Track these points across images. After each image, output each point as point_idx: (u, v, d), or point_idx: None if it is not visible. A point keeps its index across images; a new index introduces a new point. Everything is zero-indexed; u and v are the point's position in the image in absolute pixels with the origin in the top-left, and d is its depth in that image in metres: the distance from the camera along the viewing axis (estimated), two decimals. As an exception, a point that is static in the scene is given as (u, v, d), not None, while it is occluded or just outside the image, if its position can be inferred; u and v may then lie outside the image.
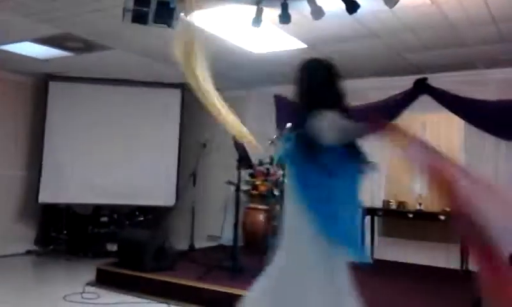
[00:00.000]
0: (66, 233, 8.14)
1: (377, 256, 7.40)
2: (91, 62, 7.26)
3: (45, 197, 8.05)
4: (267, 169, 7.96)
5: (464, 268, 6.59)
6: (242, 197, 7.34)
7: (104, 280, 5.96)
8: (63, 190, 8.04)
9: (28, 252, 8.08)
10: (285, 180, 7.91)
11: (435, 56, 6.31)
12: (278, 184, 7.44)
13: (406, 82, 7.22)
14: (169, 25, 4.77)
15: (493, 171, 6.77)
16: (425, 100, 7.15)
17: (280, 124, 7.51)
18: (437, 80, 7.05)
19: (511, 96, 6.58)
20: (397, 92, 7.31)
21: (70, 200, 8.12)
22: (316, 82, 2.60)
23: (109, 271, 6.04)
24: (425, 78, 7.10)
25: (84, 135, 8.14)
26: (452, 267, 6.85)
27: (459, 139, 7.12)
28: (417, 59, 6.54)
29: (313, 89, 2.58)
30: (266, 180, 7.88)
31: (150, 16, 4.30)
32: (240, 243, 6.85)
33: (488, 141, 6.80)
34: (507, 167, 6.70)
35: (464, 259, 6.61)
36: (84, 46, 6.44)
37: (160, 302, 5.28)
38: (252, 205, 7.99)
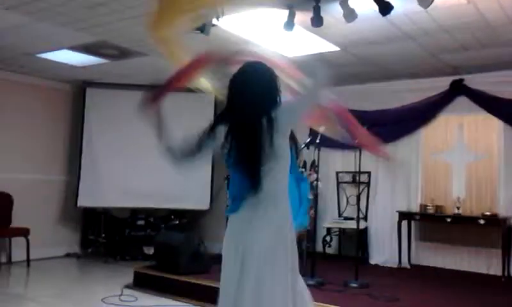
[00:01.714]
0: (104, 236, 8.32)
1: (414, 261, 7.28)
2: (126, 69, 7.39)
3: (83, 201, 8.24)
4: (301, 172, 7.90)
5: (506, 274, 6.40)
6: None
7: (142, 283, 6.07)
8: (101, 194, 8.19)
9: (67, 255, 8.30)
10: (320, 184, 7.92)
11: (472, 56, 6.16)
12: (312, 187, 7.39)
13: (442, 84, 7.09)
14: (202, 31, 4.83)
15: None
16: (462, 101, 7.00)
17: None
18: (474, 80, 6.89)
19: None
20: (433, 93, 7.19)
21: (108, 204, 8.28)
22: None
23: (146, 274, 6.14)
24: (462, 80, 6.96)
25: (120, 140, 8.28)
26: (492, 273, 6.67)
27: (498, 141, 6.93)
28: (453, 60, 6.41)
29: None
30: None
31: (184, 23, 4.34)
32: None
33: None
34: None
35: (506, 265, 6.42)
36: (120, 53, 6.57)
37: (196, 305, 5.33)
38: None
